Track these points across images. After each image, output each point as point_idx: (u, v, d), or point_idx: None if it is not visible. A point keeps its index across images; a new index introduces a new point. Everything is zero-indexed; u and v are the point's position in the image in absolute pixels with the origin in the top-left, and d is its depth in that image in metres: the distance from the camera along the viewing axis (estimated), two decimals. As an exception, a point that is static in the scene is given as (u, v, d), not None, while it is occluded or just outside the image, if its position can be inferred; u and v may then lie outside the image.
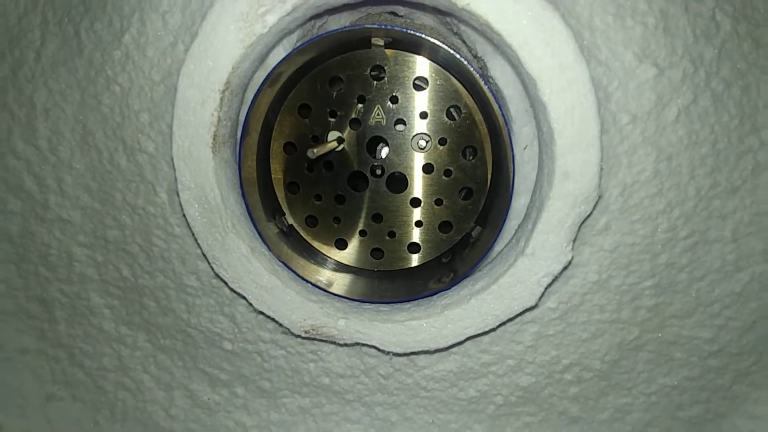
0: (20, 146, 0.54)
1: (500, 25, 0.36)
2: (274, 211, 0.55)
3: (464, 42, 0.47)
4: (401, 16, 0.49)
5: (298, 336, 0.51)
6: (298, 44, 0.43)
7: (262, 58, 0.44)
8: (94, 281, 0.60)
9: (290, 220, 0.56)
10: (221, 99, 0.42)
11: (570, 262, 0.44)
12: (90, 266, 0.59)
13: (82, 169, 0.55)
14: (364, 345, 0.50)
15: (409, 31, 0.38)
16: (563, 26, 0.36)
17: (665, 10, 0.42)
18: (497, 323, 0.46)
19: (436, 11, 0.40)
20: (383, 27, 0.39)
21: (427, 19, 0.47)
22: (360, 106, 0.49)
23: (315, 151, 0.42)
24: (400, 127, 0.50)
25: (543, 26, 0.36)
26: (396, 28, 0.39)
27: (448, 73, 0.47)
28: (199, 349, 0.61)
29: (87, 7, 0.49)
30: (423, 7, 0.39)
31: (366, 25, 0.39)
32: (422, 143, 0.50)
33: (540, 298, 0.45)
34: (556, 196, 0.41)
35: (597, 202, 0.43)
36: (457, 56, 0.41)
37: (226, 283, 0.51)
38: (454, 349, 0.55)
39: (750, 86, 0.44)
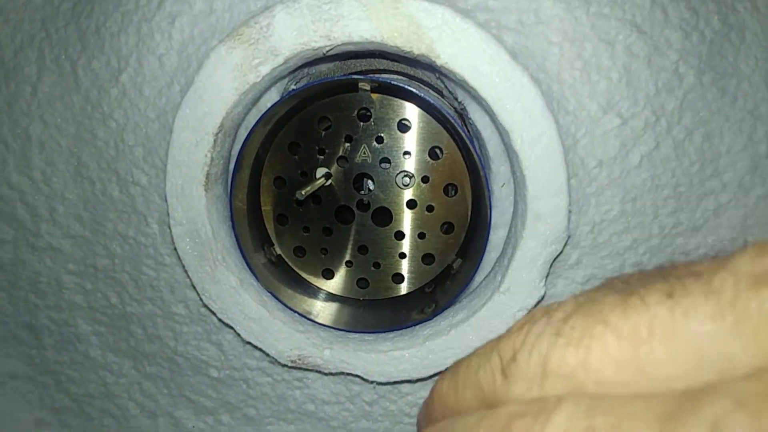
0: (14, 177, 0.57)
1: (475, 82, 0.41)
2: (263, 242, 0.58)
3: (447, 87, 0.52)
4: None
5: (285, 365, 0.53)
6: (291, 90, 0.47)
7: (255, 101, 0.48)
8: (82, 308, 0.62)
9: (278, 251, 0.59)
10: (215, 140, 0.46)
11: (543, 297, 0.48)
12: (78, 294, 0.61)
13: (75, 199, 0.58)
14: (348, 374, 0.53)
15: (393, 83, 0.42)
16: (532, 85, 0.40)
17: (628, 66, 0.47)
18: (476, 354, 0.50)
19: (419, 64, 0.44)
20: (369, 78, 0.44)
21: (413, 66, 0.51)
22: (347, 144, 0.53)
23: (303, 192, 0.46)
24: (385, 165, 0.54)
25: (513, 84, 0.40)
26: (381, 79, 0.43)
27: (430, 117, 0.51)
28: (185, 376, 0.64)
29: (84, 45, 0.52)
30: (407, 60, 0.43)
31: (354, 76, 0.43)
32: (406, 180, 0.54)
33: (515, 330, 0.48)
34: (529, 236, 0.45)
35: (567, 241, 0.47)
36: (438, 105, 0.45)
37: (214, 313, 0.54)
38: (436, 377, 0.58)
39: (713, 133, 0.49)
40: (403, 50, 0.42)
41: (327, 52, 0.42)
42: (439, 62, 0.41)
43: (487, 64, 0.40)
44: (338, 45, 0.42)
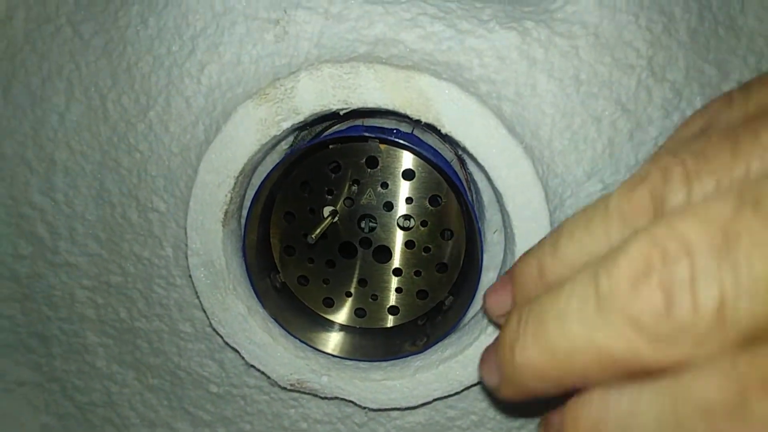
0: (37, 198, 0.61)
1: (474, 150, 0.46)
2: (269, 270, 0.63)
3: (449, 143, 0.57)
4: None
5: (284, 388, 0.58)
6: (306, 142, 0.52)
7: (274, 147, 0.53)
8: (92, 321, 0.66)
9: (283, 278, 0.64)
10: (235, 182, 0.51)
11: (525, 341, 0.54)
12: (90, 307, 0.66)
13: (94, 220, 0.62)
14: (343, 399, 0.58)
15: (399, 141, 0.47)
16: (525, 157, 0.46)
17: (612, 138, 0.53)
18: (462, 388, 0.55)
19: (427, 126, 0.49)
20: (379, 137, 0.49)
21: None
22: (354, 187, 0.58)
23: (313, 236, 0.51)
24: (388, 208, 0.59)
25: (509, 156, 0.46)
26: (390, 139, 0.48)
27: (432, 168, 0.56)
28: (186, 390, 0.68)
29: (115, 81, 0.57)
30: (416, 122, 0.48)
31: (365, 134, 0.48)
32: (407, 223, 0.60)
33: (498, 369, 0.54)
34: (515, 287, 0.51)
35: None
36: (439, 162, 0.51)
37: (220, 336, 0.59)
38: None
39: (681, 199, 0.55)
40: (412, 117, 0.47)
41: (343, 113, 0.48)
42: (443, 130, 0.46)
43: (486, 136, 0.45)
44: (354, 108, 0.47)
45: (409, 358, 0.60)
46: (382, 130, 0.58)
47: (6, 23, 0.58)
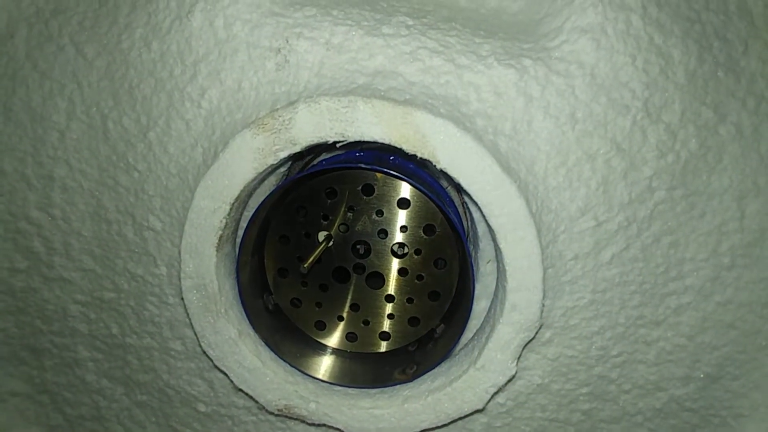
0: (34, 213, 0.63)
1: (469, 187, 0.48)
2: (263, 290, 0.64)
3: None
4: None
5: (272, 413, 0.59)
6: (306, 169, 0.54)
7: (270, 173, 0.55)
8: (84, 336, 0.68)
9: (276, 300, 0.65)
10: (230, 208, 0.52)
11: (514, 376, 0.55)
12: (82, 322, 0.67)
13: (90, 236, 0.64)
14: (330, 427, 0.59)
15: (395, 174, 0.49)
16: (518, 195, 0.47)
17: (606, 177, 0.54)
18: (449, 420, 0.56)
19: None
20: (374, 169, 0.50)
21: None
22: (350, 214, 0.60)
23: (305, 266, 0.52)
24: (382, 235, 0.60)
25: (502, 194, 0.47)
26: (385, 171, 0.49)
27: (427, 198, 0.58)
28: (174, 407, 0.69)
29: (116, 101, 0.59)
30: (414, 158, 0.50)
31: (361, 165, 0.50)
32: (400, 251, 0.61)
33: (487, 403, 0.55)
34: (506, 322, 0.52)
35: (539, 329, 0.54)
36: (433, 196, 0.52)
37: (210, 358, 0.60)
38: None
39: (679, 241, 0.57)
40: (408, 152, 0.48)
41: (339, 145, 0.49)
42: (439, 166, 0.48)
43: (481, 174, 0.47)
44: (350, 142, 0.49)
45: (398, 386, 0.61)
46: (379, 157, 0.60)
47: (7, 40, 0.60)
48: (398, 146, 0.48)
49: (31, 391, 0.69)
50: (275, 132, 0.48)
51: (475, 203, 0.52)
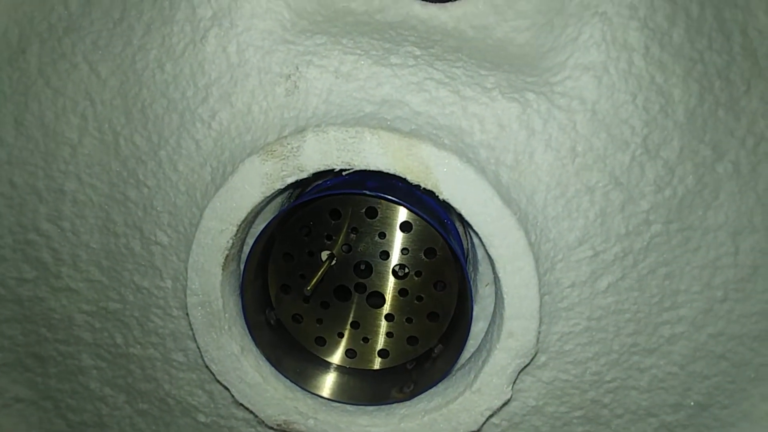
0: (44, 225, 0.65)
1: (470, 218, 0.49)
2: (265, 306, 0.66)
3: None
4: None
5: (271, 428, 0.61)
6: (312, 194, 0.56)
7: (276, 196, 0.57)
8: (89, 344, 0.70)
9: (278, 315, 0.67)
10: (237, 229, 0.54)
11: (509, 400, 0.56)
12: (87, 331, 0.69)
13: (98, 248, 0.66)
14: (328, 443, 0.61)
15: (398, 201, 0.50)
16: (518, 228, 0.49)
17: (604, 209, 0.56)
18: (444, 440, 0.58)
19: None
20: (378, 195, 0.52)
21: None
22: (353, 235, 0.62)
23: (308, 288, 0.54)
24: (384, 257, 0.62)
25: (502, 226, 0.49)
26: (388, 198, 0.51)
27: (428, 223, 0.60)
28: (174, 417, 0.71)
29: (128, 119, 0.61)
30: (417, 186, 0.52)
31: (365, 192, 0.52)
32: (401, 273, 0.63)
33: (482, 425, 0.57)
34: (502, 348, 0.54)
35: (535, 355, 0.56)
36: (434, 223, 0.54)
37: (212, 373, 0.62)
38: None
39: (674, 273, 0.58)
40: (412, 183, 0.50)
41: (346, 174, 0.51)
42: (441, 197, 0.50)
43: (481, 206, 0.48)
44: (356, 170, 0.51)
45: (395, 405, 0.63)
46: (385, 181, 0.62)
47: (19, 56, 0.61)
48: (403, 176, 0.50)
49: (35, 397, 0.71)
50: (283, 159, 0.50)
51: (476, 232, 0.54)
